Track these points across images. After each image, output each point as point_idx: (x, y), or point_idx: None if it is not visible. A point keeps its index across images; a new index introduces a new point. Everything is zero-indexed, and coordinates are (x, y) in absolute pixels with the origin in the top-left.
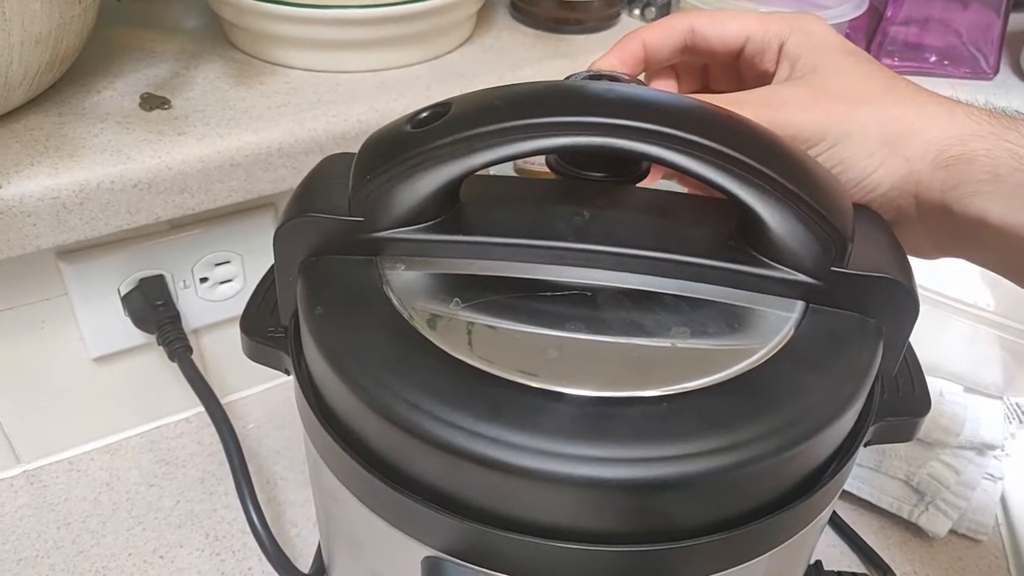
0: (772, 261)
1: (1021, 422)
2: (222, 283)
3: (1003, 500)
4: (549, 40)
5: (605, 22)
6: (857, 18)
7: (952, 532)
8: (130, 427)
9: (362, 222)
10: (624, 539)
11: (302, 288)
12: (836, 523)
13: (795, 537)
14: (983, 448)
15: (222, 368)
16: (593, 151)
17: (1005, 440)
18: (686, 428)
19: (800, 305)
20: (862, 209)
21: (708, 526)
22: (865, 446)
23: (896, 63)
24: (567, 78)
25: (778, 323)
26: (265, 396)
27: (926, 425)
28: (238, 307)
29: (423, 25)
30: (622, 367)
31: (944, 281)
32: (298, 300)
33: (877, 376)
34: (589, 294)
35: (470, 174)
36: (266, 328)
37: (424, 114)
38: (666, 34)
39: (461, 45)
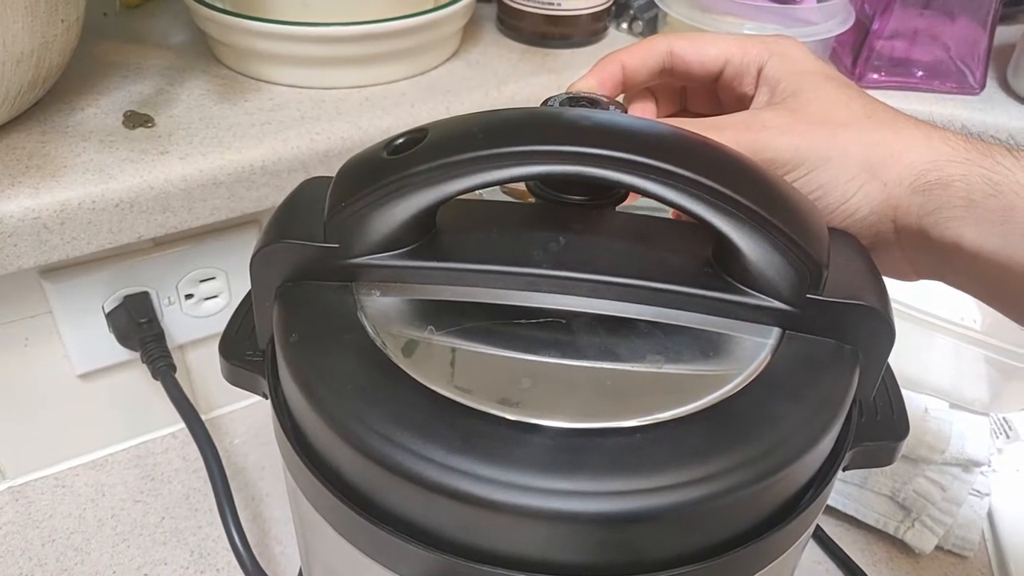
0: (748, 288)
1: (1008, 438)
2: (207, 299)
3: (990, 516)
4: (535, 55)
5: (592, 37)
6: (843, 33)
7: (938, 548)
8: (115, 443)
9: (338, 248)
10: (599, 571)
11: (278, 314)
12: (822, 540)
13: (773, 563)
14: (969, 464)
15: (208, 383)
16: (568, 179)
17: (991, 456)
18: (660, 460)
19: (776, 332)
20: (839, 234)
21: (684, 557)
22: (844, 471)
23: (883, 78)
24: (546, 101)
25: (754, 350)
26: (251, 411)
27: (911, 442)
28: (223, 323)
29: (408, 42)
30: (596, 397)
31: (931, 298)
32: (274, 326)
33: (854, 401)
34: (564, 321)
35: (445, 201)
36: (244, 351)
37: (400, 140)
38: (645, 56)
39: (447, 60)
